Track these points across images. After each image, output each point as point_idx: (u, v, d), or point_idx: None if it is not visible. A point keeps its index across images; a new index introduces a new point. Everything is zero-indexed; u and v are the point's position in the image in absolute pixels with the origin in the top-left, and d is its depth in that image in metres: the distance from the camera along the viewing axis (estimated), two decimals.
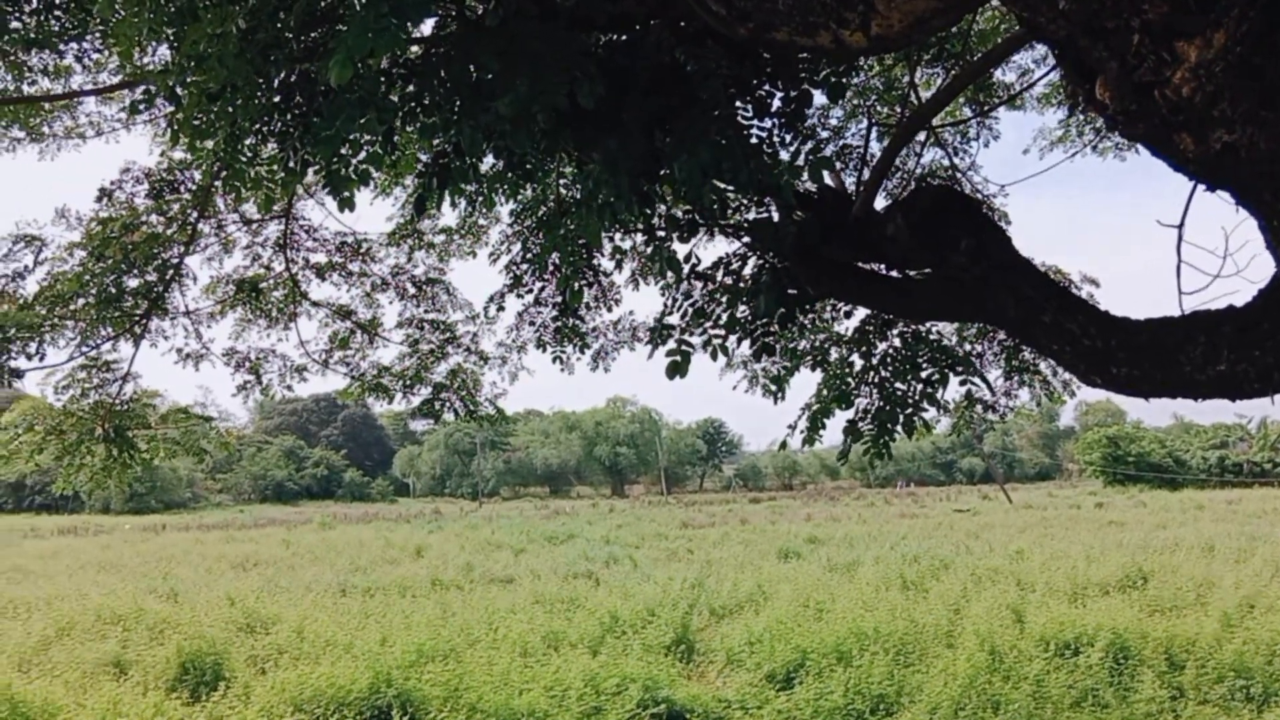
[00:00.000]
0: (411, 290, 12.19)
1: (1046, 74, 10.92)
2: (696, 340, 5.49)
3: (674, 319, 5.71)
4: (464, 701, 12.04)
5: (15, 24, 7.01)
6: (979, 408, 10.29)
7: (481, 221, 12.00)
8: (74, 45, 8.52)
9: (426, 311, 12.33)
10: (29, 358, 8.77)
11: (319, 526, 55.49)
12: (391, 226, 12.02)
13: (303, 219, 11.44)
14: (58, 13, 7.02)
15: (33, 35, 7.24)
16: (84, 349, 10.10)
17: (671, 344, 5.28)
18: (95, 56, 9.18)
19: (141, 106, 4.69)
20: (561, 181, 7.50)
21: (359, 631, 16.24)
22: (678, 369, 5.13)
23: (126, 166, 10.06)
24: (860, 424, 6.85)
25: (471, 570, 27.02)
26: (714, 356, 5.68)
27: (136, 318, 10.17)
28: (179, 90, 4.21)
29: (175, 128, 4.68)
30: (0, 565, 32.83)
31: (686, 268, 5.41)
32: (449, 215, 12.10)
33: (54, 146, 10.90)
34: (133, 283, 9.80)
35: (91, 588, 24.40)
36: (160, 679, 13.54)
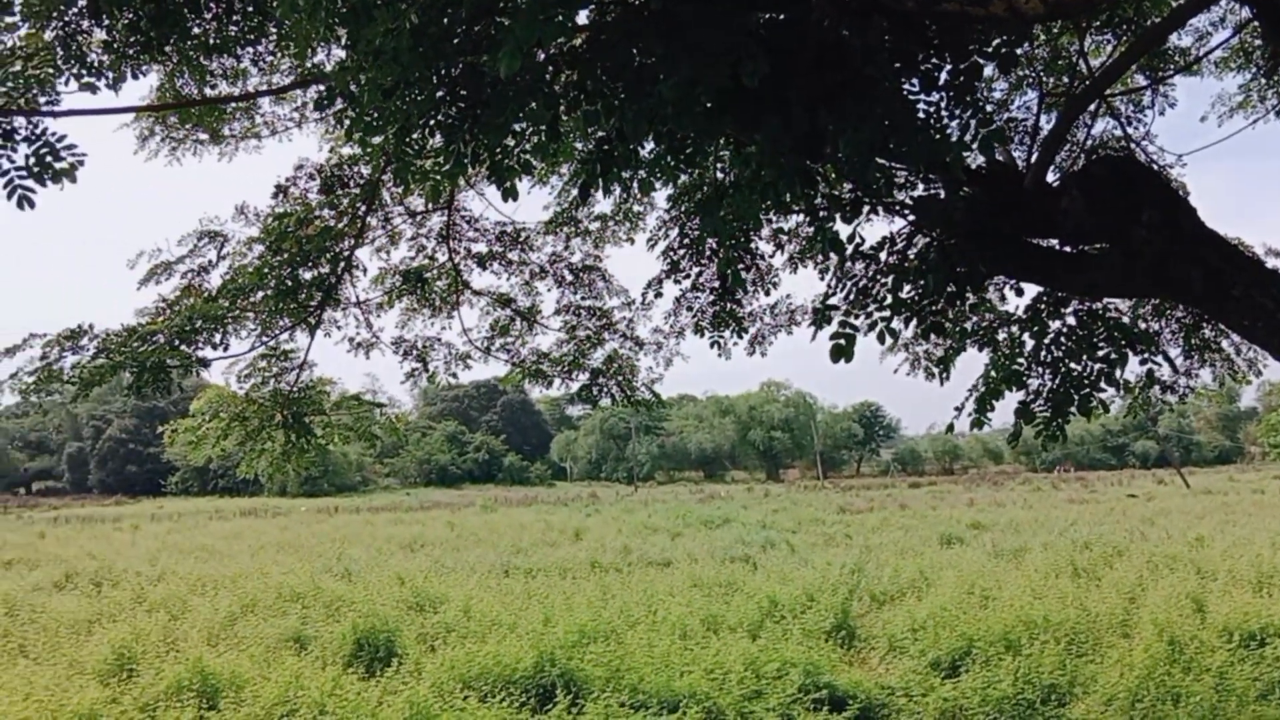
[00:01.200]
0: (569, 277, 12.36)
1: (1227, 38, 10.34)
2: (861, 322, 5.38)
3: (837, 300, 5.62)
4: (626, 682, 12.18)
5: (196, 30, 7.35)
6: (1157, 388, 9.83)
7: (637, 208, 12.08)
8: (250, 49, 8.91)
9: (584, 298, 12.49)
10: (214, 348, 9.25)
11: (481, 509, 56.99)
12: (549, 215, 12.21)
13: (464, 210, 11.74)
14: (236, 17, 7.34)
15: (213, 40, 7.59)
16: (264, 339, 10.61)
17: (835, 326, 5.20)
18: (269, 59, 9.59)
19: (324, 104, 4.85)
20: (719, 164, 7.48)
21: (522, 612, 16.59)
22: (842, 352, 5.05)
23: (300, 163, 10.53)
24: (1032, 405, 6.61)
25: (629, 553, 27.30)
26: (881, 339, 5.56)
27: (311, 308, 10.62)
28: (353, 88, 4.35)
29: (349, 124, 4.84)
30: (189, 545, 34.84)
31: (850, 248, 5.31)
32: (604, 202, 12.22)
33: (232, 147, 11.42)
34: (307, 275, 10.22)
35: (272, 567, 25.65)
36: (337, 654, 14.13)
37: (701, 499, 66.96)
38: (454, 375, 12.45)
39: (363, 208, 10.59)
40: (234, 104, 10.06)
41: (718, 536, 32.39)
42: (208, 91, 9.56)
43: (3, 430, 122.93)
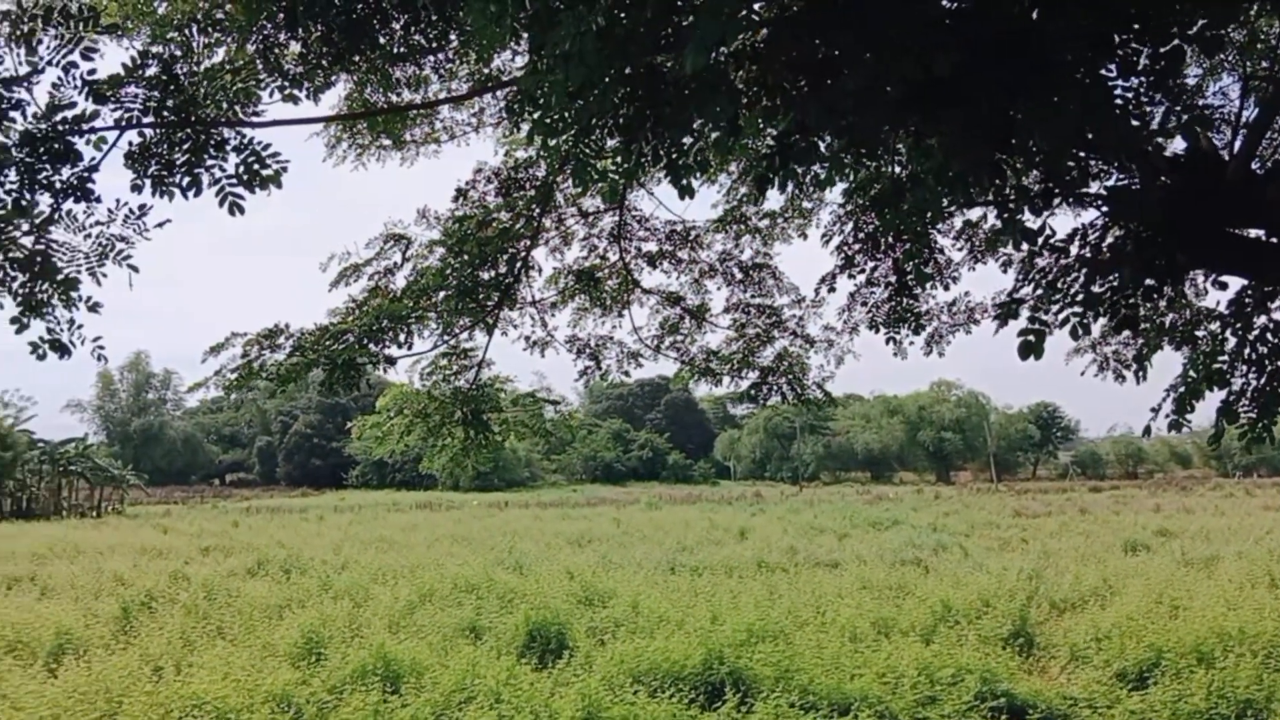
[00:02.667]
0: (738, 275, 12.34)
1: None
2: (1051, 317, 5.18)
3: (1025, 294, 5.43)
4: (795, 683, 12.08)
5: (383, 39, 7.63)
6: None
7: (807, 204, 11.98)
8: (431, 58, 9.22)
9: (753, 296, 12.45)
10: (399, 346, 9.62)
11: (646, 507, 57.45)
12: (718, 213, 12.23)
13: (635, 210, 11.86)
14: (421, 26, 7.60)
15: (399, 49, 7.89)
16: (445, 338, 10.98)
17: (1024, 322, 5.03)
18: (448, 67, 9.90)
19: (515, 108, 4.97)
20: (896, 158, 7.34)
21: (690, 609, 16.65)
22: (1032, 349, 4.87)
23: (479, 167, 10.85)
24: (1236, 406, 6.25)
25: (795, 553, 27.07)
26: (1074, 334, 5.35)
27: (489, 308, 10.92)
28: (538, 91, 4.45)
29: (530, 127, 4.96)
30: (369, 536, 36.27)
31: (1039, 240, 5.13)
32: (773, 199, 12.16)
33: (413, 152, 11.83)
34: (486, 275, 10.52)
35: (446, 558, 26.49)
36: (511, 645, 14.47)
37: (869, 500, 65.86)
38: (626, 374, 12.60)
39: (537, 209, 10.83)
40: (417, 110, 10.41)
41: (886, 538, 31.80)
42: (392, 99, 9.93)
43: (200, 425, 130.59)
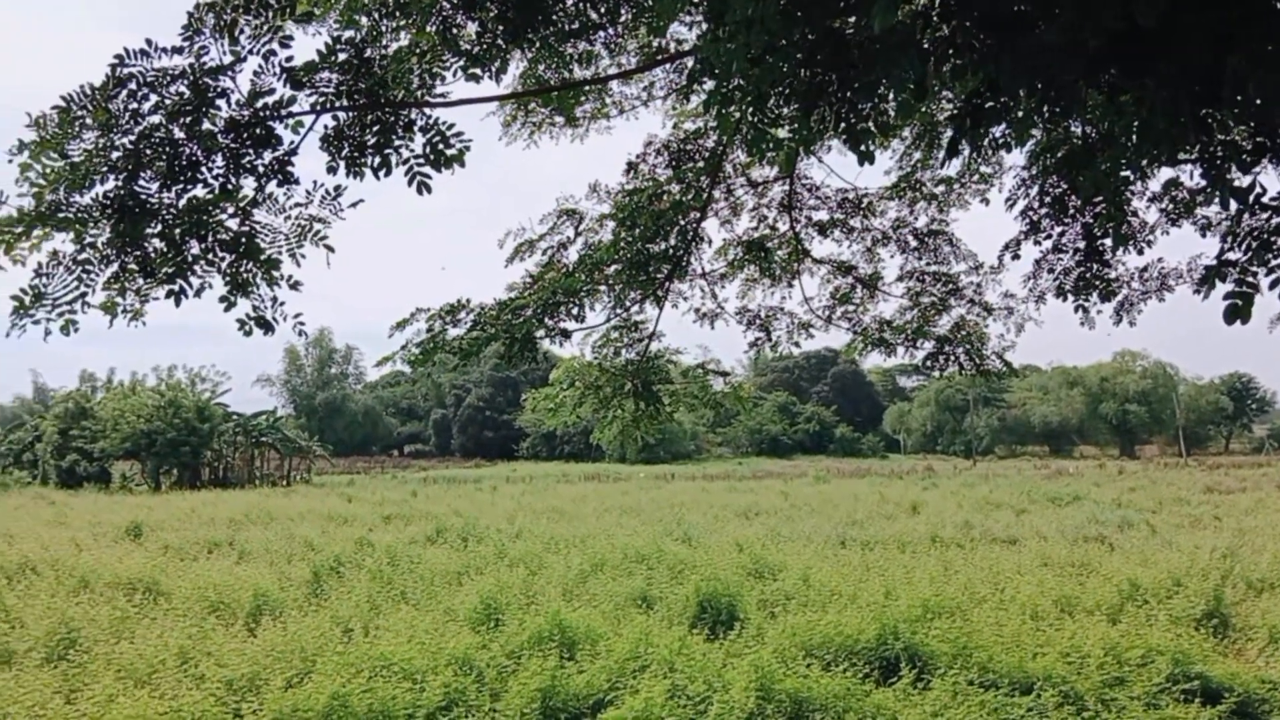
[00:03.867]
0: (913, 243, 12.03)
1: None
2: (1262, 279, 4.85)
3: (1232, 257, 5.10)
4: (974, 660, 11.82)
5: (557, 16, 7.71)
6: None
7: (985, 169, 11.58)
8: (603, 33, 9.27)
9: (928, 264, 12.13)
10: (574, 320, 9.76)
11: (813, 480, 57.02)
12: (891, 180, 11.94)
13: (805, 178, 11.70)
14: (594, 1, 7.65)
15: (571, 26, 7.96)
16: (616, 311, 11.08)
17: (1230, 284, 4.73)
18: (619, 41, 9.94)
19: (697, 76, 4.96)
20: (1086, 116, 7.00)
21: (862, 583, 16.46)
22: (1238, 313, 4.58)
23: (649, 140, 10.89)
24: None
25: (970, 528, 26.42)
26: None
27: (659, 281, 10.97)
28: (717, 59, 4.41)
29: (707, 96, 4.93)
30: (541, 506, 37.14)
31: (1249, 199, 4.79)
32: (949, 164, 11.78)
33: (583, 128, 11.93)
34: (656, 248, 10.56)
35: (616, 529, 26.90)
36: (682, 615, 14.59)
37: (1047, 475, 63.62)
38: (796, 344, 12.47)
39: (706, 181, 10.79)
40: (589, 86, 10.49)
41: (1067, 514, 30.69)
42: (564, 76, 10.04)
43: (379, 398, 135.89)
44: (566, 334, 9.68)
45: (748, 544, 21.58)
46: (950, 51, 4.18)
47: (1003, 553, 21.17)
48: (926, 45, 4.21)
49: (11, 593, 16.13)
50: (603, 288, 10.60)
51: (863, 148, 4.82)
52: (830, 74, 4.44)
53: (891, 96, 4.46)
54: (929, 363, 11.92)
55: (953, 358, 11.77)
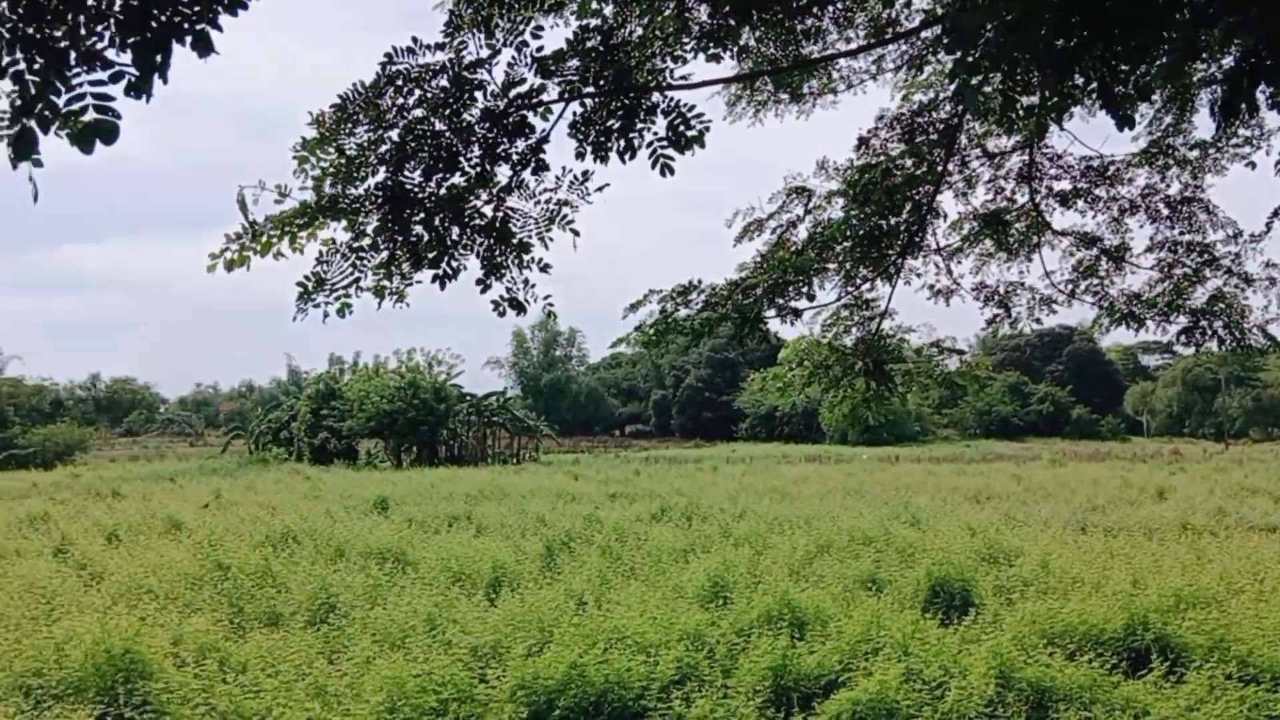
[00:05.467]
0: (1164, 211, 11.35)
1: None
2: None
3: None
4: (1232, 654, 11.10)
5: None
6: None
7: (1244, 131, 10.80)
8: (831, 7, 9.15)
9: (1181, 233, 11.42)
10: (804, 298, 9.72)
11: (1048, 463, 54.63)
12: (1139, 146, 11.30)
13: (1046, 147, 11.20)
14: None
15: (800, 3, 7.90)
16: (847, 289, 10.95)
17: None
18: (847, 15, 9.78)
19: (953, 43, 4.83)
20: None
21: (1106, 571, 15.70)
22: None
23: (880, 114, 10.68)
24: None
25: (1224, 515, 24.74)
26: None
27: (891, 258, 10.77)
28: (965, 28, 4.29)
29: (952, 66, 4.79)
30: (762, 486, 37.13)
31: None
32: (1203, 128, 11.04)
33: (810, 104, 11.81)
34: (888, 224, 10.36)
35: (840, 510, 26.59)
36: (912, 599, 14.32)
37: None
38: (1037, 321, 11.99)
39: (940, 153, 10.50)
40: (816, 63, 10.38)
41: None
42: (792, 53, 9.96)
43: (601, 379, 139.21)
44: (797, 313, 9.66)
45: (980, 528, 20.93)
46: (1224, 8, 3.91)
47: (1262, 541, 19.76)
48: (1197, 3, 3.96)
49: (277, 560, 17.40)
50: (832, 266, 10.50)
51: (1123, 112, 4.59)
52: (1091, 38, 4.24)
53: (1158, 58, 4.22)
54: (1183, 338, 11.24)
55: (1210, 332, 11.05)
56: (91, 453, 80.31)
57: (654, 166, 6.03)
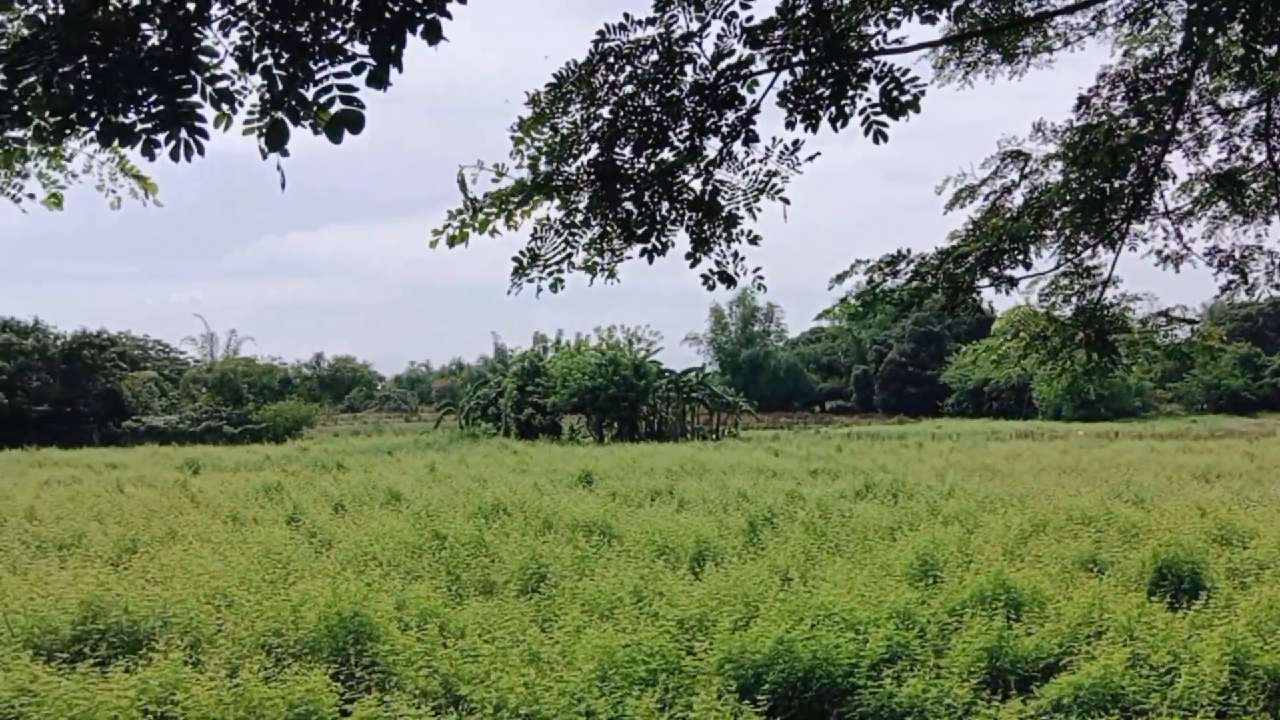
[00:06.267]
0: None
1: None
2: None
3: None
4: None
5: None
6: None
7: None
8: None
9: None
10: (1020, 266, 9.33)
11: None
12: None
13: None
14: None
15: None
16: (1066, 256, 10.45)
17: None
18: None
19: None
20: None
21: None
22: None
23: (1102, 72, 10.11)
24: None
25: None
26: None
27: (1115, 222, 10.20)
28: None
29: (1188, 15, 4.48)
30: (971, 464, 36.08)
31: None
32: None
33: (1024, 64, 11.30)
34: (1111, 187, 9.82)
35: (1055, 489, 25.53)
36: (1136, 581, 13.63)
37: None
38: (1277, 287, 11.14)
39: (1169, 111, 9.86)
40: (1035, 20, 9.92)
41: None
42: (1004, 11, 9.56)
43: (800, 355, 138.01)
44: (1012, 282, 9.29)
45: (1210, 508, 19.70)
46: None
47: None
48: None
49: (489, 530, 18.06)
50: (1050, 232, 10.04)
51: None
52: None
53: None
54: None
55: None
56: (317, 428, 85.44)
57: (867, 133, 5.90)
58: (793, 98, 6.09)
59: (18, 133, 3.99)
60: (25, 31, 4.05)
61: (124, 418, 78.14)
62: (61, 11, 3.85)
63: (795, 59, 6.13)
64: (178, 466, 39.11)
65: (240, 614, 12.01)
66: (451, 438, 66.50)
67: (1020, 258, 9.29)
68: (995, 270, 9.20)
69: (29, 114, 3.78)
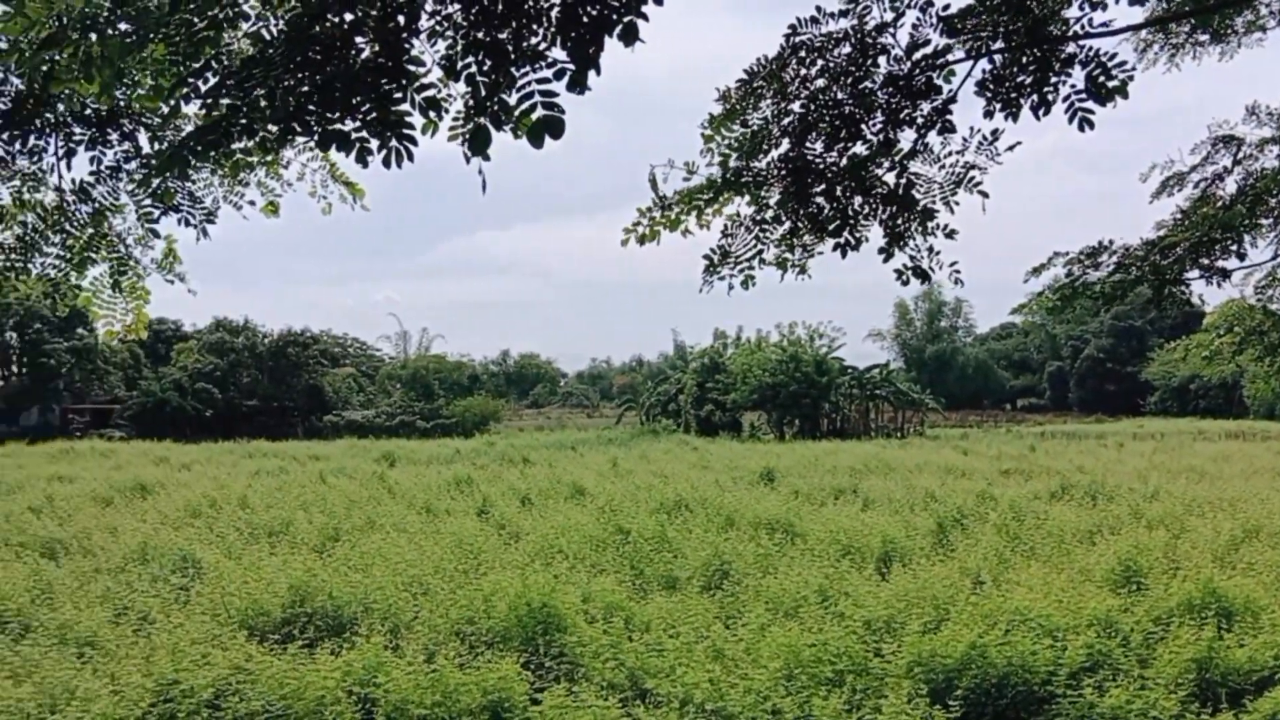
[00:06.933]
0: None
1: None
2: None
3: None
4: None
5: None
6: None
7: None
8: None
9: None
10: (1235, 257, 8.79)
11: None
12: None
13: None
14: None
15: None
16: None
17: None
18: None
19: None
20: None
21: None
22: None
23: None
24: None
25: None
26: None
27: None
28: None
29: None
30: (1176, 465, 34.20)
31: None
32: None
33: (1234, 44, 10.66)
34: None
35: (1271, 492, 23.92)
36: None
37: None
38: None
39: None
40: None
41: None
42: None
43: (989, 350, 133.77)
44: (1225, 273, 8.76)
45: None
46: None
47: None
48: None
49: (671, 526, 18.19)
50: (1266, 221, 9.42)
51: None
52: None
53: None
54: None
55: None
56: (503, 423, 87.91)
57: (1071, 121, 5.67)
58: (991, 86, 5.90)
59: (244, 143, 4.26)
60: (250, 49, 4.35)
61: (325, 412, 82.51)
62: (283, 29, 4.10)
63: (994, 46, 5.95)
64: (375, 459, 40.86)
65: (435, 602, 12.47)
66: (632, 434, 67.27)
67: (1233, 248, 8.74)
68: (1206, 261, 8.68)
69: (255, 125, 4.05)
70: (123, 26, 4.02)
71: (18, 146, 5.50)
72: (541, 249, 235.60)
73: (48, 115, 5.40)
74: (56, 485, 29.07)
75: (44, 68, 4.47)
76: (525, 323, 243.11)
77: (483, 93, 3.90)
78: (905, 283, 6.30)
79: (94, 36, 3.98)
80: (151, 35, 3.97)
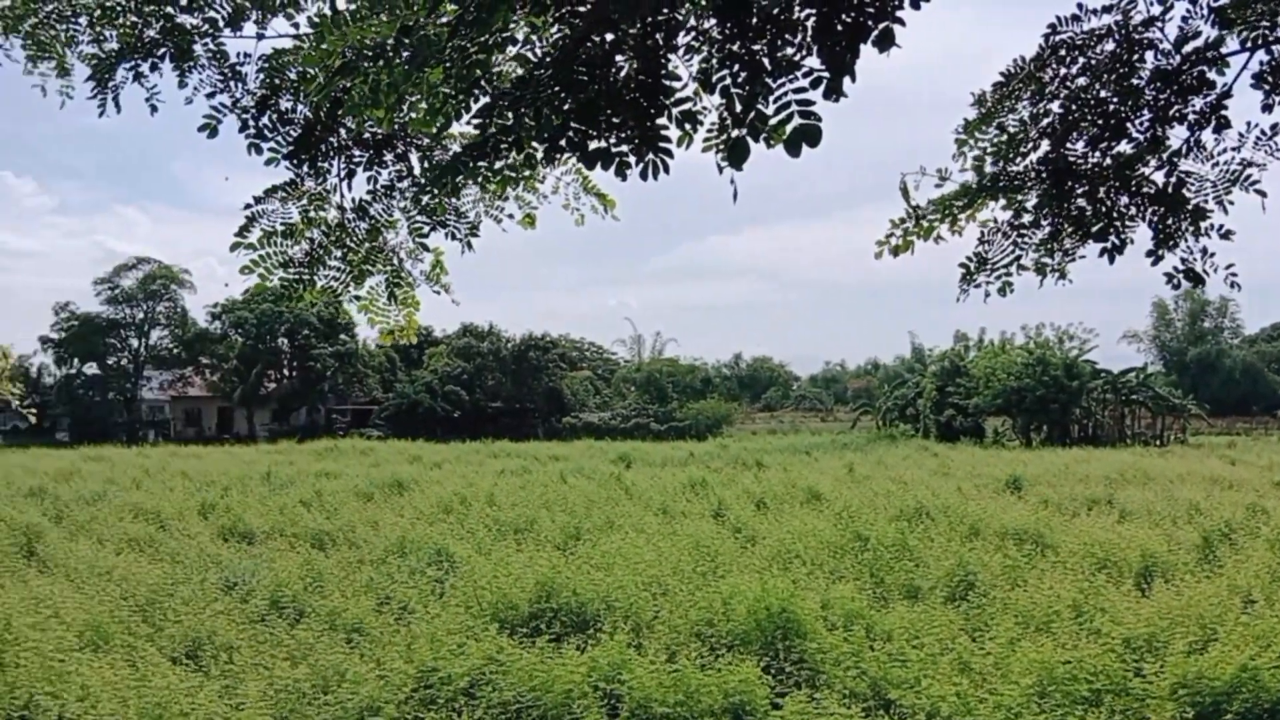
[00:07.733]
0: None
1: None
2: None
3: None
4: None
5: None
6: None
7: None
8: None
9: None
10: None
11: None
12: None
13: None
14: None
15: None
16: None
17: None
18: None
19: None
20: None
21: None
22: None
23: None
24: None
25: None
26: None
27: None
28: None
29: None
30: None
31: None
32: None
33: None
34: None
35: None
36: None
37: None
38: None
39: None
40: None
41: None
42: None
43: (1259, 353, 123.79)
44: None
45: None
46: None
47: None
48: None
49: (912, 534, 17.79)
50: None
51: None
52: None
53: None
54: None
55: None
56: (735, 426, 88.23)
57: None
58: (1270, 79, 5.50)
59: (510, 159, 4.50)
60: (517, 70, 4.59)
61: (564, 414, 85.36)
62: (549, 50, 4.31)
63: (1274, 36, 5.54)
64: (611, 460, 41.90)
65: (675, 602, 12.68)
66: (869, 438, 66.17)
67: None
68: None
69: (522, 143, 4.27)
70: (405, 55, 4.31)
71: (306, 169, 6.01)
72: (772, 251, 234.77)
73: (332, 140, 5.87)
74: (323, 481, 31.37)
75: (334, 96, 4.88)
76: (757, 326, 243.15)
77: (738, 106, 3.96)
78: (1176, 286, 5.95)
79: (382, 64, 4.30)
80: (430, 61, 4.26)
